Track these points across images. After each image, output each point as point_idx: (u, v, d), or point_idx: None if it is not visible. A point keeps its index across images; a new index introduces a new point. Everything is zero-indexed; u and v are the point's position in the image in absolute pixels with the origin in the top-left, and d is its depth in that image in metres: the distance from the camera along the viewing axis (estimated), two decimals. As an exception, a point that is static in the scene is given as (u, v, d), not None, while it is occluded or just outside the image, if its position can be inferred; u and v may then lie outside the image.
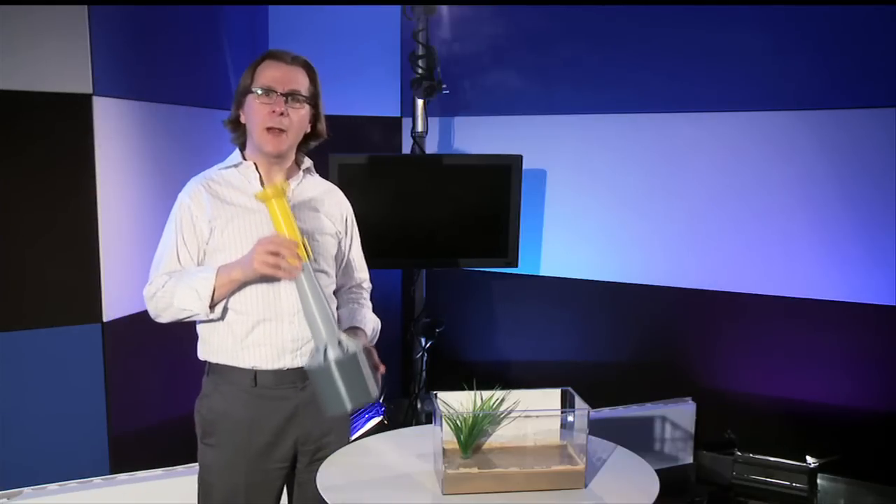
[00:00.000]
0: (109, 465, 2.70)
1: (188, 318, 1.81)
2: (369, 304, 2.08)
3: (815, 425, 3.23)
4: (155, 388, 2.96)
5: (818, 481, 3.17)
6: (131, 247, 2.79)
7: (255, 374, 1.84)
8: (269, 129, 1.82)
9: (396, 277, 3.98)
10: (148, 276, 1.86)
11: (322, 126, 1.95)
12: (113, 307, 2.69)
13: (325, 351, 1.69)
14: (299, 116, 1.86)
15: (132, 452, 2.76)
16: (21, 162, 2.51)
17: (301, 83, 1.86)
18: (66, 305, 2.61)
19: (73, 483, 2.46)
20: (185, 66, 3.12)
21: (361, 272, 2.10)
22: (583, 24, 3.51)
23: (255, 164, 1.89)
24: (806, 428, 3.24)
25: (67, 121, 2.55)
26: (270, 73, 1.84)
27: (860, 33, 2.99)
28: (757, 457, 3.22)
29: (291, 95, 1.83)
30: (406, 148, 3.80)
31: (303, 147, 1.96)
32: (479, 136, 3.78)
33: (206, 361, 1.90)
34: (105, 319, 2.67)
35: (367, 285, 2.12)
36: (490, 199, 3.29)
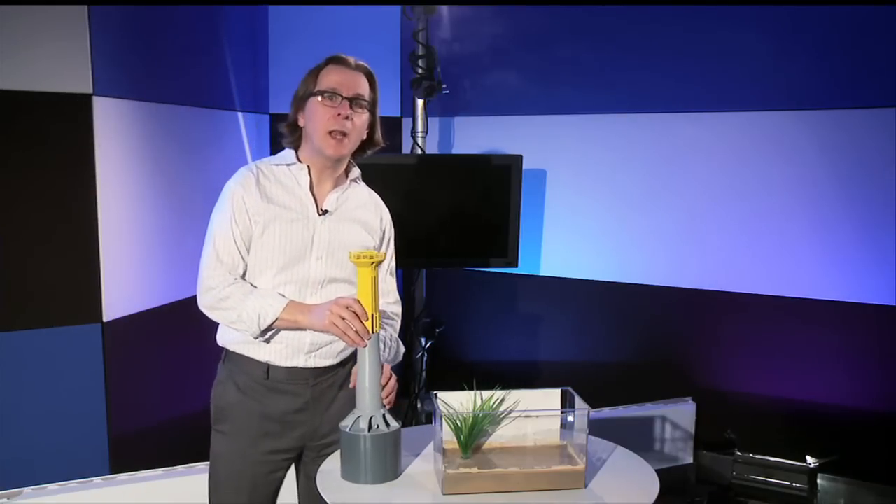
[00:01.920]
0: (109, 465, 2.70)
1: (237, 329, 1.82)
2: (397, 333, 2.05)
3: (815, 425, 3.23)
4: (155, 388, 2.96)
5: (818, 481, 3.17)
6: (131, 247, 2.79)
7: (267, 368, 1.87)
8: (331, 132, 1.83)
9: (397, 278, 3.97)
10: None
11: (379, 135, 1.98)
12: (113, 307, 2.69)
13: (361, 420, 1.74)
14: (361, 121, 1.88)
15: (132, 452, 2.76)
16: (21, 162, 2.51)
17: (364, 88, 1.89)
18: (66, 305, 2.61)
19: (73, 483, 2.46)
20: (185, 66, 3.12)
21: (391, 295, 2.06)
22: (583, 24, 3.51)
23: (308, 167, 1.90)
24: (806, 428, 3.24)
25: (67, 121, 2.55)
26: (335, 77, 1.85)
27: (860, 33, 2.99)
28: (757, 457, 3.22)
29: (355, 100, 1.85)
30: (406, 148, 3.79)
31: (357, 155, 1.97)
32: (479, 136, 3.77)
33: (223, 348, 1.92)
34: (105, 319, 2.66)
35: (397, 309, 2.09)
36: (490, 199, 3.29)
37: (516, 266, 3.36)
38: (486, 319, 3.91)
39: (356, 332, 1.69)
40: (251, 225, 1.82)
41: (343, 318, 1.69)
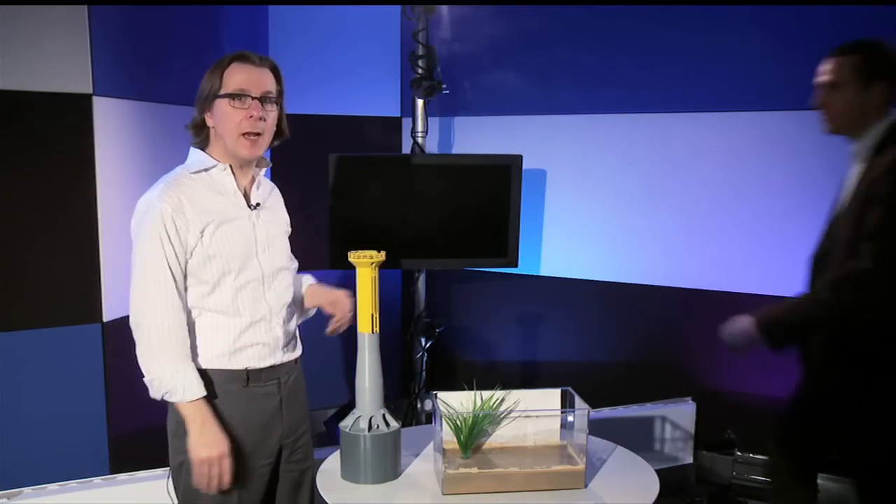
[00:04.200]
0: (109, 465, 2.70)
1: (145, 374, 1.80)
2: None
3: (815, 425, 3.22)
4: (155, 388, 2.96)
5: (818, 481, 3.16)
6: (131, 247, 2.79)
7: (247, 374, 1.85)
8: (244, 134, 1.79)
9: (396, 277, 3.98)
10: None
11: (285, 125, 1.92)
12: (113, 307, 2.69)
13: (361, 420, 1.77)
14: (272, 119, 1.84)
15: (132, 452, 2.76)
16: (21, 162, 2.51)
17: (271, 84, 1.83)
18: (66, 305, 2.61)
19: (73, 483, 2.46)
20: (185, 66, 3.11)
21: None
22: (583, 24, 3.51)
23: (229, 166, 1.86)
24: (806, 428, 3.24)
25: (67, 121, 2.55)
26: (242, 77, 1.80)
27: (860, 33, 2.99)
28: (757, 457, 3.22)
29: (265, 98, 1.80)
30: (406, 148, 3.79)
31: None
32: (479, 136, 3.77)
33: None
34: (105, 319, 2.67)
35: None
36: (490, 199, 3.29)
37: (516, 266, 3.36)
38: (486, 319, 3.91)
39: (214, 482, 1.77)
40: (184, 248, 1.78)
41: (207, 474, 1.76)
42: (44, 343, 2.57)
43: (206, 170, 1.84)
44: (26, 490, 2.40)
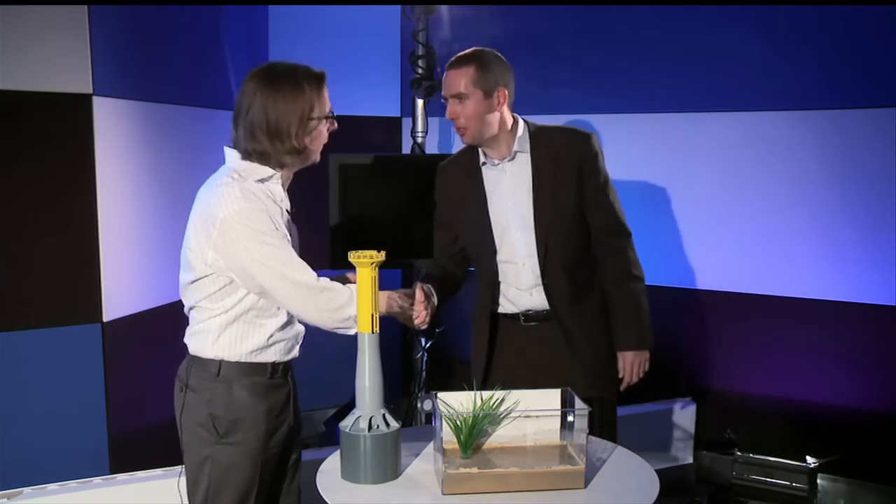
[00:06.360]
0: (109, 465, 2.70)
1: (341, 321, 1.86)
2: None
3: (815, 425, 3.23)
4: (155, 388, 2.95)
5: (818, 481, 3.17)
6: (131, 247, 2.79)
7: (271, 367, 1.90)
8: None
9: (396, 277, 3.97)
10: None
11: None
12: (113, 307, 2.69)
13: (361, 420, 1.77)
14: None
15: (132, 452, 2.76)
16: (21, 162, 2.51)
17: None
18: (66, 305, 2.61)
19: (73, 483, 2.46)
20: (185, 67, 3.12)
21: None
22: (583, 24, 3.51)
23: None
24: (806, 428, 3.24)
25: (67, 121, 2.55)
26: (327, 96, 1.94)
27: (859, 33, 2.99)
28: (757, 457, 3.22)
29: None
30: (406, 148, 3.79)
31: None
32: (479, 136, 3.77)
33: (220, 361, 1.86)
34: (105, 319, 2.67)
35: None
36: (490, 199, 3.28)
37: (516, 266, 3.35)
38: (486, 319, 3.90)
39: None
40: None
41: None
42: (44, 343, 2.57)
43: (267, 179, 1.88)
44: (26, 490, 2.40)
